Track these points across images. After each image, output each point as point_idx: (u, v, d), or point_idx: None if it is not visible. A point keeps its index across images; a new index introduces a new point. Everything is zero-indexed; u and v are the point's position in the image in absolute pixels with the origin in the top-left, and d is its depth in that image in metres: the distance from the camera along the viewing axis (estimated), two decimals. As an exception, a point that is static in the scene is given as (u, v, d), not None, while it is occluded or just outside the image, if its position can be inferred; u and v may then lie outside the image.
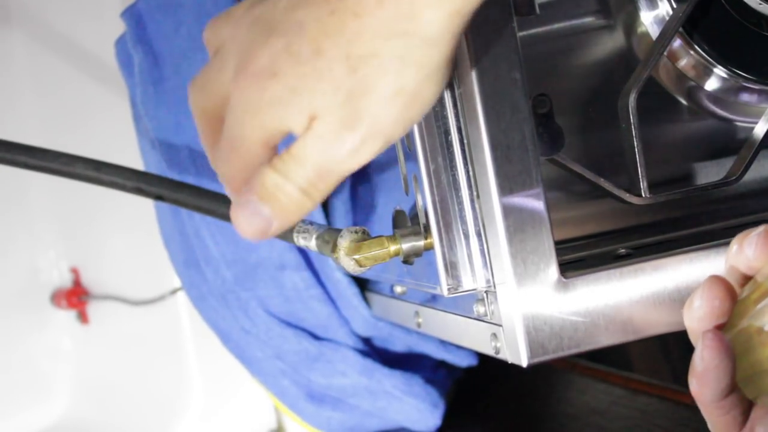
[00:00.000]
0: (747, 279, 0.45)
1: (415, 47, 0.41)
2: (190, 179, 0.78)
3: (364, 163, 0.43)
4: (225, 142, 0.45)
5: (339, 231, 0.55)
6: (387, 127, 0.42)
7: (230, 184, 0.46)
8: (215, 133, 0.47)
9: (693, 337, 0.45)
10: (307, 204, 0.44)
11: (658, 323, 0.52)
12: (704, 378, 0.43)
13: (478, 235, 0.52)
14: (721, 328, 0.44)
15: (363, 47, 0.41)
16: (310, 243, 0.56)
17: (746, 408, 0.45)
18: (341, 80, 0.41)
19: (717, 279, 0.44)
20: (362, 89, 0.41)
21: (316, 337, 0.82)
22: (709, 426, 0.46)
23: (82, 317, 1.24)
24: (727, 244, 0.53)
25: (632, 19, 0.60)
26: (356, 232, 0.54)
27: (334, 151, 0.42)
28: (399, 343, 0.84)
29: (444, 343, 0.83)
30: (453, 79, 0.51)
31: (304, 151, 0.43)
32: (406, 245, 0.53)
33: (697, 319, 0.44)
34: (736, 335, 0.44)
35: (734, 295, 0.44)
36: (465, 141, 0.51)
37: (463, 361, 0.85)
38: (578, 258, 0.57)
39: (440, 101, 0.52)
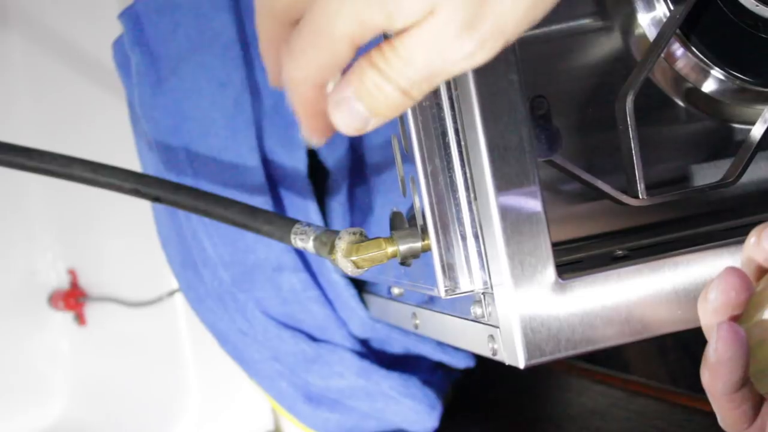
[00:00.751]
0: (763, 272, 0.45)
1: None
2: (188, 181, 0.78)
3: (477, 67, 0.39)
4: (304, 35, 0.39)
5: (336, 232, 0.55)
6: (510, 27, 0.38)
7: (300, 85, 0.41)
8: (281, 29, 0.42)
9: (707, 330, 0.44)
10: (407, 104, 0.40)
11: (655, 325, 0.52)
12: (717, 370, 0.42)
13: (476, 236, 0.52)
14: (735, 321, 0.44)
15: None
16: (308, 244, 0.56)
17: (757, 402, 0.44)
18: None
19: (734, 270, 0.44)
20: None
21: (313, 339, 0.82)
22: (719, 419, 0.45)
23: (80, 319, 1.24)
24: (725, 245, 0.54)
25: (629, 20, 0.60)
26: (354, 234, 0.54)
27: (450, 52, 0.38)
28: (396, 345, 0.84)
29: (441, 345, 0.83)
30: (450, 80, 0.51)
31: (414, 50, 0.38)
32: (403, 247, 0.53)
33: (712, 310, 0.44)
34: (750, 328, 0.43)
35: (750, 287, 0.44)
36: (462, 143, 0.51)
37: (461, 363, 0.85)
38: (575, 259, 0.57)
39: (437, 103, 0.52)
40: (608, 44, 0.61)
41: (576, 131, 0.60)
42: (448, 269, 0.52)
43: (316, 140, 0.44)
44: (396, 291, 0.71)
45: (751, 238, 0.45)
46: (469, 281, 0.52)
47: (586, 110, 0.61)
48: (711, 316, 0.44)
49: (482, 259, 0.52)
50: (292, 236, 0.58)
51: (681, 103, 0.62)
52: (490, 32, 0.37)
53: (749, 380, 0.43)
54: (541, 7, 0.38)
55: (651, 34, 0.60)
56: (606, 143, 0.60)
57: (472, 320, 0.56)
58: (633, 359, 0.89)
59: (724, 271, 0.44)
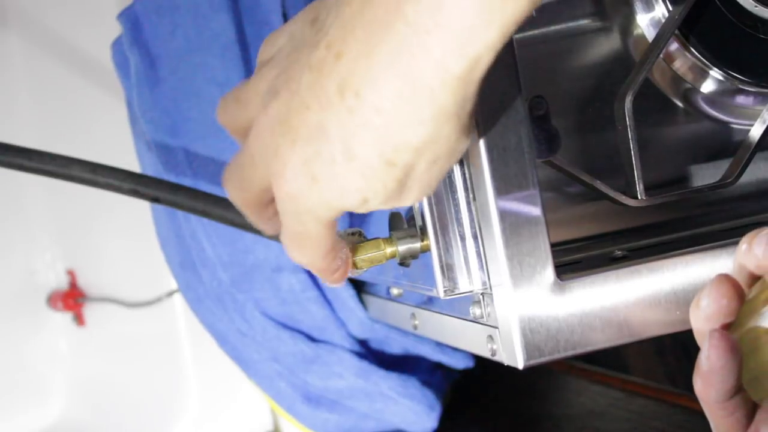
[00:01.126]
0: (755, 279, 0.45)
1: (443, 125, 0.40)
2: (187, 181, 0.78)
3: None
4: (292, 238, 0.46)
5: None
6: (431, 186, 0.44)
7: (309, 266, 0.48)
8: (263, 212, 0.49)
9: (699, 337, 0.44)
10: None
11: (654, 325, 0.52)
12: (709, 378, 0.42)
13: (475, 237, 0.52)
14: (727, 328, 0.44)
15: (394, 140, 0.40)
16: (307, 245, 0.56)
17: (751, 410, 0.44)
18: (383, 175, 0.42)
19: (725, 278, 0.44)
20: (404, 173, 0.42)
21: (312, 339, 0.82)
22: (713, 427, 0.45)
23: (79, 319, 1.24)
24: (724, 246, 0.54)
25: (628, 21, 0.60)
26: (352, 234, 0.54)
27: (395, 206, 0.44)
28: (395, 345, 0.84)
29: (440, 345, 0.83)
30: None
31: (366, 211, 0.45)
32: (402, 247, 0.53)
33: (704, 318, 0.44)
34: (743, 335, 0.43)
35: (742, 294, 0.44)
36: (461, 143, 0.51)
37: (460, 363, 0.85)
38: (574, 260, 0.57)
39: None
40: (607, 45, 0.61)
41: (575, 132, 0.60)
42: (447, 270, 0.52)
43: (339, 284, 0.51)
44: (395, 291, 0.71)
45: (743, 245, 0.45)
46: (468, 282, 0.52)
47: (585, 111, 0.61)
48: (703, 324, 0.44)
49: (481, 260, 0.52)
50: (291, 237, 0.57)
51: (680, 104, 0.62)
52: (416, 196, 0.44)
53: (742, 388, 0.43)
54: (452, 162, 0.43)
55: (650, 34, 0.60)
56: (605, 144, 0.60)
57: (471, 321, 0.56)
58: (632, 360, 0.89)
59: (715, 279, 0.44)
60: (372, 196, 0.42)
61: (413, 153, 0.41)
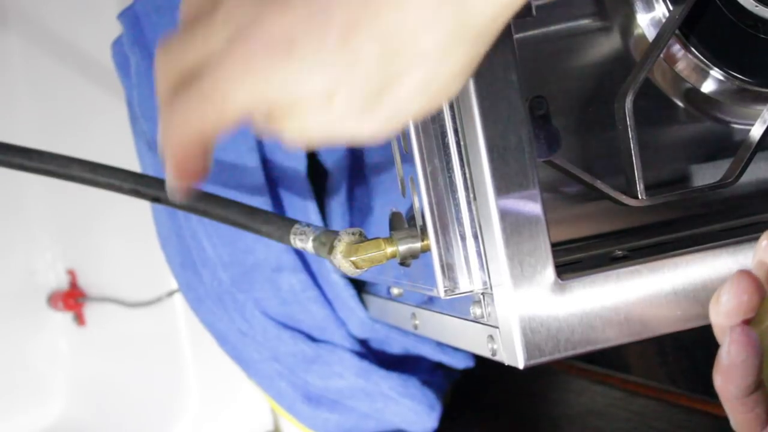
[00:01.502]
0: None
1: (460, 41, 0.37)
2: (187, 181, 0.77)
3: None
4: (194, 93, 0.39)
5: (336, 233, 0.55)
6: (408, 116, 0.40)
7: (177, 136, 0.41)
8: (183, 89, 0.41)
9: (719, 333, 0.44)
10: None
11: (655, 325, 0.52)
12: (730, 374, 0.42)
13: (475, 237, 0.52)
14: (747, 324, 0.44)
15: (401, 40, 0.37)
16: (307, 245, 0.56)
17: None
18: (371, 73, 0.38)
19: (745, 273, 0.44)
20: (391, 81, 0.38)
21: (312, 339, 0.82)
22: (732, 423, 0.45)
23: (79, 319, 1.24)
24: (724, 246, 0.54)
25: (629, 21, 0.60)
26: (353, 234, 0.54)
27: (349, 129, 0.40)
28: (396, 345, 0.84)
29: (441, 345, 0.83)
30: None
31: (314, 123, 0.39)
32: (402, 247, 0.53)
33: (724, 314, 0.44)
34: (763, 331, 0.43)
35: (762, 290, 0.44)
36: (461, 143, 0.51)
37: (460, 363, 0.85)
38: (575, 260, 0.57)
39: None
40: (607, 45, 0.61)
41: (575, 132, 0.60)
42: (448, 269, 0.52)
43: (179, 192, 0.45)
44: (395, 291, 0.71)
45: (763, 242, 0.45)
46: (468, 281, 0.52)
47: (586, 111, 0.61)
48: (723, 319, 0.44)
49: (482, 260, 0.52)
50: (292, 236, 0.57)
51: (680, 104, 0.62)
52: (388, 118, 0.39)
53: (762, 383, 0.43)
54: (438, 101, 0.39)
55: (650, 34, 0.60)
56: (605, 144, 0.60)
57: (471, 320, 0.56)
58: (632, 359, 0.89)
59: (735, 274, 0.44)
60: (344, 90, 0.38)
61: (410, 63, 0.37)
